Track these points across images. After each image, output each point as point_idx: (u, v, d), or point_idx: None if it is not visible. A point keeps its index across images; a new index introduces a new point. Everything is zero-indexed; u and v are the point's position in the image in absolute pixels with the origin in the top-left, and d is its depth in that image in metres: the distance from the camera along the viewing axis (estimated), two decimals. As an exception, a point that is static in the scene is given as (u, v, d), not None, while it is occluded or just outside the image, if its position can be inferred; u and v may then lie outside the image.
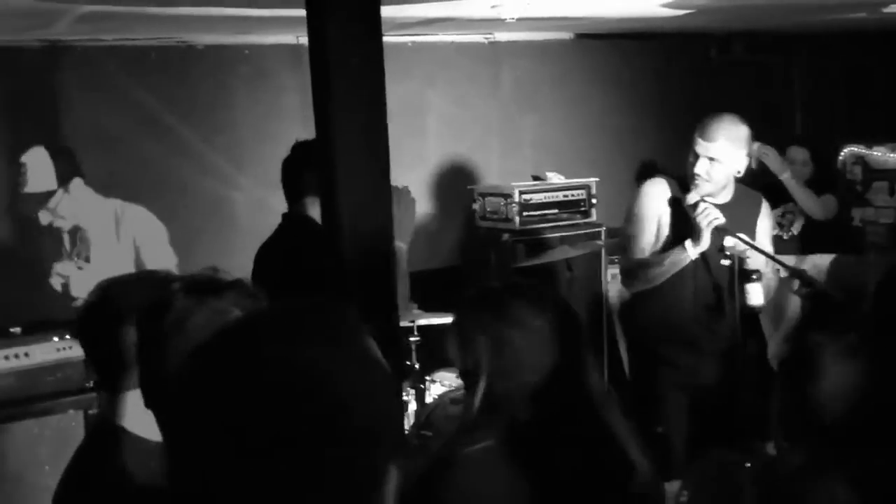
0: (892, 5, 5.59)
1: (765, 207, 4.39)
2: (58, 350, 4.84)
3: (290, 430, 1.05)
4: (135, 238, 3.98)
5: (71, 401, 4.83)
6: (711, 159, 4.13)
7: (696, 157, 4.15)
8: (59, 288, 3.75)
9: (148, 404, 1.84)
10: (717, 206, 4.12)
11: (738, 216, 4.19)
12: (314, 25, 3.42)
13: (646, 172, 5.44)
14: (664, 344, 4.34)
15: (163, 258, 4.05)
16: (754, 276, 4.07)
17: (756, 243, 4.14)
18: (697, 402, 4.34)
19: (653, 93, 7.14)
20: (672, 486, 4.33)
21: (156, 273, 1.93)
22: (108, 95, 5.65)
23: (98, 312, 1.99)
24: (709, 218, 4.05)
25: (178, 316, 1.77)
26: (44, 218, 3.81)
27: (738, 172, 4.19)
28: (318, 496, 1.07)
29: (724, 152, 4.12)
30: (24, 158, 3.75)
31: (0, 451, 4.45)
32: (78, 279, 3.79)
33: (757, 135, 4.47)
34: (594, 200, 6.33)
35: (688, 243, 4.12)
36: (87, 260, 3.84)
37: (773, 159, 5.82)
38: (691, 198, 4.15)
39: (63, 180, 3.78)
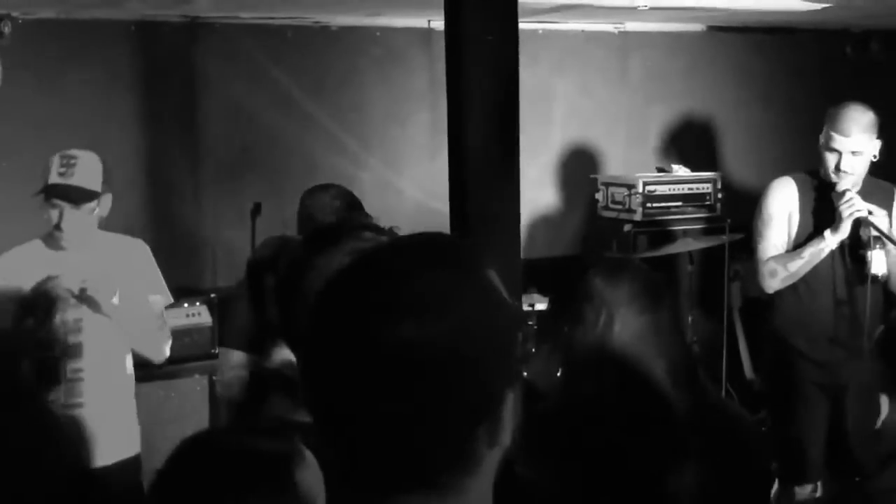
0: None
1: None
2: (187, 316, 5.00)
3: (416, 350, 1.10)
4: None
5: (197, 366, 4.98)
6: (854, 153, 4.08)
7: (835, 152, 4.10)
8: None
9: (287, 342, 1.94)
10: None
11: (871, 206, 4.14)
12: (451, 6, 3.46)
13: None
14: (803, 340, 4.28)
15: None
16: (877, 245, 4.03)
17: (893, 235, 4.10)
18: (837, 403, 4.27)
19: (786, 89, 7.00)
20: (804, 490, 4.27)
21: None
22: (243, 72, 5.79)
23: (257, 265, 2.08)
24: (852, 208, 4.02)
25: (306, 263, 1.84)
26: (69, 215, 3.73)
27: (875, 157, 4.17)
28: (440, 415, 1.12)
29: (863, 143, 4.10)
30: (74, 152, 3.74)
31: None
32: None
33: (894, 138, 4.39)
34: (720, 195, 6.26)
35: (827, 233, 4.09)
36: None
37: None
38: (839, 186, 4.10)
39: (103, 190, 3.78)
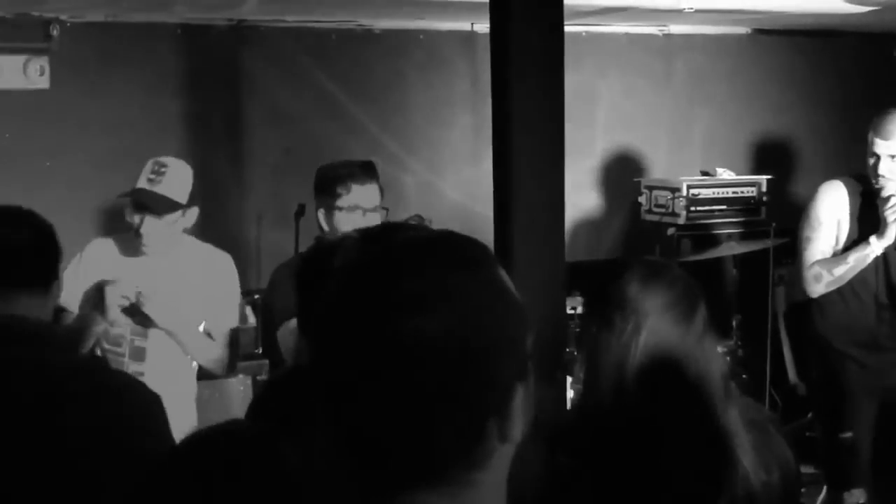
0: None
1: None
2: (232, 317, 5.02)
3: (423, 342, 1.11)
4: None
5: (241, 366, 4.99)
6: (893, 157, 4.11)
7: (876, 156, 4.14)
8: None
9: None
10: None
11: None
12: (496, 8, 3.46)
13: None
14: (848, 344, 4.28)
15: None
16: None
17: None
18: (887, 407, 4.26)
19: (830, 92, 6.94)
20: (851, 497, 4.24)
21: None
22: (287, 75, 5.83)
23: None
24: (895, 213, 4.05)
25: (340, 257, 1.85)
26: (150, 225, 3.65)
27: None
28: (448, 408, 1.12)
29: None
30: (166, 160, 3.72)
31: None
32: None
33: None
34: (765, 198, 6.22)
35: (872, 238, 4.12)
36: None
37: None
38: (884, 192, 4.12)
39: (189, 203, 3.75)
